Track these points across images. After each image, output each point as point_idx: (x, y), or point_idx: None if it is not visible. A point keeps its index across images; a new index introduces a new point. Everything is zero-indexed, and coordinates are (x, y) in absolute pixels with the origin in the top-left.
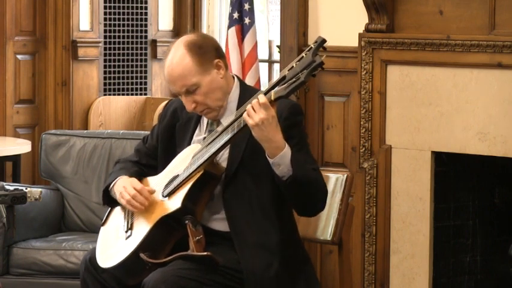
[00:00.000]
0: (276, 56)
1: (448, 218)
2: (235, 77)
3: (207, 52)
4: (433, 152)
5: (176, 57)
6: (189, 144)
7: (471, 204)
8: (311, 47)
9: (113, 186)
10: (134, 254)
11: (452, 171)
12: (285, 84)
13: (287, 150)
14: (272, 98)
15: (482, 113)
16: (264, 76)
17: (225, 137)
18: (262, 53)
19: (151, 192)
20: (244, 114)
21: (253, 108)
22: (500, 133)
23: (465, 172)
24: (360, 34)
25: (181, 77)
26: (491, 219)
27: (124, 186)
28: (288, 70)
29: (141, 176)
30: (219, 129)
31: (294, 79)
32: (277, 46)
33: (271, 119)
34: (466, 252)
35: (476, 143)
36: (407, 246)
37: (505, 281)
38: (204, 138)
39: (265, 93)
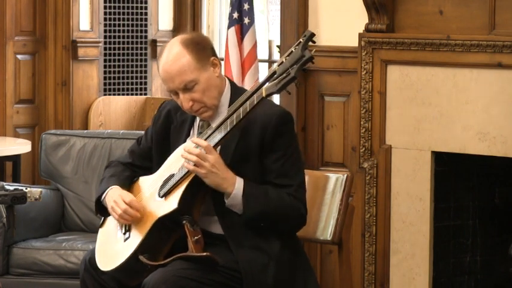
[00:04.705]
0: (276, 56)
1: (448, 218)
2: (227, 79)
3: (205, 49)
4: (433, 152)
5: (174, 54)
6: None
7: (471, 204)
8: (300, 41)
9: (105, 197)
10: (133, 257)
11: (452, 171)
12: (276, 80)
13: (238, 189)
14: (263, 94)
15: (482, 113)
16: (264, 76)
17: (218, 135)
18: (262, 53)
19: (139, 206)
20: (193, 168)
21: (199, 157)
22: (500, 133)
23: (465, 172)
24: (360, 34)
25: (180, 72)
26: (491, 219)
27: (115, 200)
28: (278, 65)
29: (133, 179)
30: (213, 125)
31: (284, 75)
32: (277, 46)
33: (219, 158)
34: (466, 252)
35: (476, 143)
36: (407, 246)
37: (505, 281)
38: None
39: (256, 90)
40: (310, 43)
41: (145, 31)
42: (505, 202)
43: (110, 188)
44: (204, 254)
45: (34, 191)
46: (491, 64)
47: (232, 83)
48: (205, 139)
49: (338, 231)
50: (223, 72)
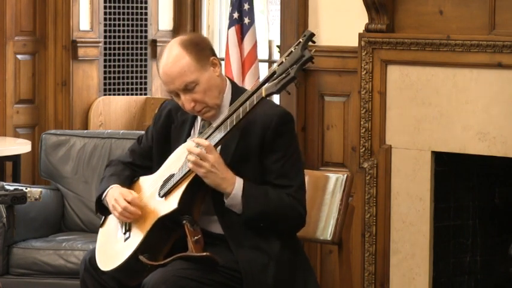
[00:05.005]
0: (276, 56)
1: (448, 218)
2: (227, 79)
3: (204, 49)
4: (433, 152)
5: (173, 56)
6: None
7: (471, 204)
8: (299, 41)
9: (105, 196)
10: (133, 257)
11: (452, 171)
12: (276, 80)
13: (238, 189)
14: (263, 94)
15: (482, 113)
16: (264, 76)
17: (218, 135)
18: (262, 53)
19: (140, 204)
20: (192, 166)
21: (199, 157)
22: (500, 133)
23: (465, 172)
24: (360, 34)
25: (180, 74)
26: (491, 219)
27: (115, 198)
28: (278, 65)
29: (133, 179)
30: (214, 125)
31: (284, 75)
32: (277, 46)
33: (219, 158)
34: (466, 252)
35: (476, 143)
36: (407, 246)
37: (505, 281)
38: None
39: (256, 90)
40: (310, 43)
41: (145, 31)
42: (505, 202)
43: (110, 187)
44: (204, 254)
45: (34, 191)
46: (491, 64)
47: (232, 83)
48: (205, 139)
49: (338, 231)
50: (223, 72)
